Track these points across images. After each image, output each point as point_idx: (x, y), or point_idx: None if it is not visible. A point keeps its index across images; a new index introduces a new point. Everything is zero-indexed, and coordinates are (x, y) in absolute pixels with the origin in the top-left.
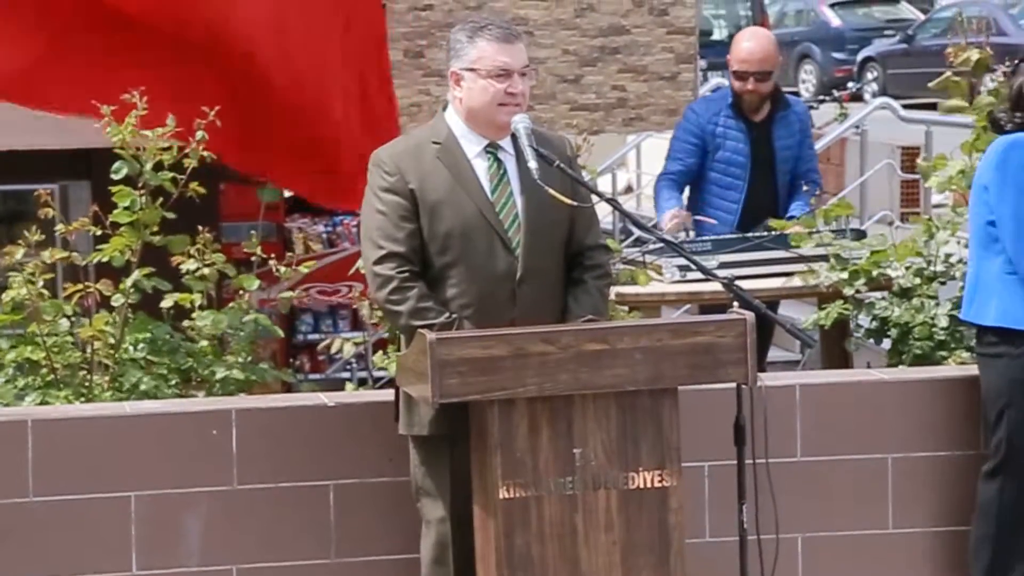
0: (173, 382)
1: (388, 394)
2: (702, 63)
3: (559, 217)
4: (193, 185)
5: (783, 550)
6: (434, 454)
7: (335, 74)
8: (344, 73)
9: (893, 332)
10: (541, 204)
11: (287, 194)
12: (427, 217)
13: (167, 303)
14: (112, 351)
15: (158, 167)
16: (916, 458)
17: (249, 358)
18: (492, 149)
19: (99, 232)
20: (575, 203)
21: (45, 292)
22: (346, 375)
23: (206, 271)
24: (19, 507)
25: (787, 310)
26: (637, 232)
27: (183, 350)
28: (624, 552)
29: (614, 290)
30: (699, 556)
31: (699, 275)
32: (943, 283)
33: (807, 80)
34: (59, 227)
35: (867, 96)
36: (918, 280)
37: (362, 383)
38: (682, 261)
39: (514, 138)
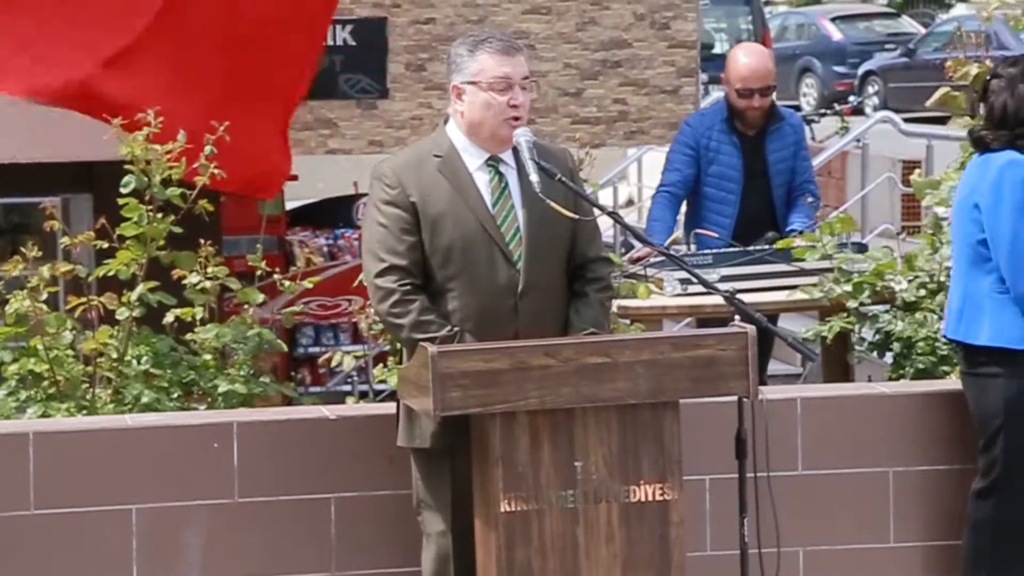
0: (175, 395)
1: (389, 407)
2: (703, 76)
3: (560, 230)
4: (202, 202)
5: (784, 563)
6: (435, 467)
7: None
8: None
9: (896, 346)
10: (543, 217)
11: (288, 207)
12: (428, 230)
13: (169, 317)
14: (115, 364)
15: (166, 182)
16: (917, 472)
17: (251, 371)
18: (493, 162)
19: (105, 245)
20: (577, 216)
21: (44, 307)
22: (347, 388)
23: (207, 284)
24: (20, 520)
25: (786, 323)
26: (638, 245)
27: (185, 363)
28: (625, 565)
29: (615, 303)
30: (700, 569)
31: (700, 288)
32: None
33: (808, 94)
34: (63, 240)
35: (868, 110)
36: (923, 293)
37: (363, 396)
38: (683, 274)
39: (516, 151)
